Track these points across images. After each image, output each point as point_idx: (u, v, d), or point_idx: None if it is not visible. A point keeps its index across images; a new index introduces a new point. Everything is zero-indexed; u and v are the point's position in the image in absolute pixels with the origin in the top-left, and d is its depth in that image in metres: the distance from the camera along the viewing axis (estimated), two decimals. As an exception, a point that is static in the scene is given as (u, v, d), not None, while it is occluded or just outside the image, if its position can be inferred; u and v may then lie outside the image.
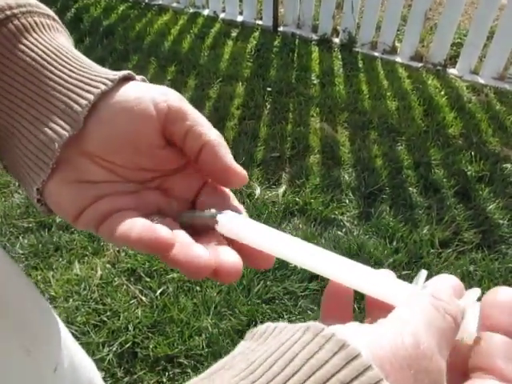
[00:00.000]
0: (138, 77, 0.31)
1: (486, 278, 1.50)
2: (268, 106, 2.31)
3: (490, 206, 1.77)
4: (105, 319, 1.36)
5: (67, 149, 0.28)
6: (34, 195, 0.28)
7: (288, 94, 2.39)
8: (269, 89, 2.42)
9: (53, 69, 0.28)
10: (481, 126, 2.20)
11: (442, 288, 0.23)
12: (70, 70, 0.29)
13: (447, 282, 0.24)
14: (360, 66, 2.68)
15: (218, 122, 2.17)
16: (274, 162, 1.97)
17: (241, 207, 0.31)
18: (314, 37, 2.91)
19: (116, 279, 1.48)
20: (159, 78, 2.48)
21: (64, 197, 0.28)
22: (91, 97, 0.28)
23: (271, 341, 0.19)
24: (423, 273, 0.26)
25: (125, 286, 1.46)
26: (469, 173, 1.92)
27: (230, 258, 0.27)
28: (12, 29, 0.28)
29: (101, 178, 0.29)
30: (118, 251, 1.56)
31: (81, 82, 0.28)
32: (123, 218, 0.27)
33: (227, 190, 0.32)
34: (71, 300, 1.41)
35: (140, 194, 0.30)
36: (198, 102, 2.31)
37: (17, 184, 1.81)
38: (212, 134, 0.29)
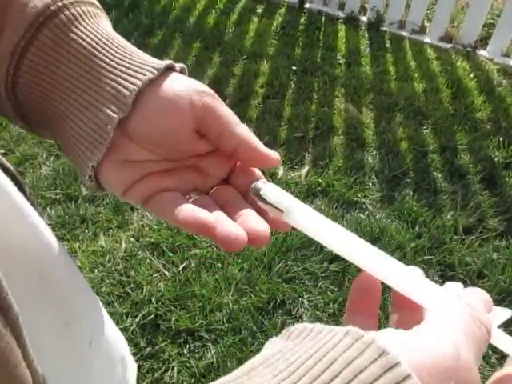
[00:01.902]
0: (178, 65, 0.33)
1: (510, 267, 1.49)
2: (292, 85, 2.29)
3: (517, 194, 1.74)
4: (129, 291, 1.40)
5: (114, 131, 0.30)
6: (88, 172, 0.31)
7: (313, 74, 2.36)
8: (294, 67, 2.39)
9: (103, 57, 0.30)
10: (510, 111, 2.14)
11: (476, 299, 0.23)
12: (119, 58, 0.30)
13: (480, 295, 0.24)
14: (387, 45, 2.62)
15: (242, 100, 2.16)
16: (298, 142, 1.96)
17: None
18: (341, 14, 2.85)
19: (140, 253, 1.51)
20: (184, 53, 2.47)
21: (113, 175, 0.31)
22: (139, 83, 0.30)
23: (309, 341, 0.19)
24: (457, 284, 0.26)
25: (148, 260, 1.49)
26: (496, 159, 1.88)
27: (259, 226, 0.29)
28: (63, 19, 0.30)
29: (143, 157, 0.31)
30: (143, 225, 1.59)
31: (129, 69, 0.30)
32: (170, 200, 0.30)
33: (257, 169, 0.35)
34: (96, 271, 1.45)
35: (178, 172, 0.33)
36: (222, 79, 2.30)
37: (44, 156, 1.85)
38: (242, 132, 0.32)
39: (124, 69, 0.30)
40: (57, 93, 0.30)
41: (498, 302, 1.42)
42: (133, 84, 0.29)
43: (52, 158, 1.84)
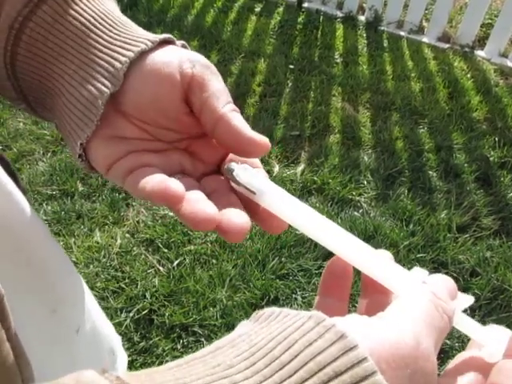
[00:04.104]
0: (179, 42, 0.32)
1: (502, 265, 1.50)
2: (290, 84, 2.30)
3: (511, 193, 1.74)
4: (123, 286, 1.41)
5: (106, 106, 0.29)
6: (77, 151, 0.30)
7: (310, 72, 2.37)
8: (291, 66, 2.40)
9: (100, 32, 0.30)
10: (507, 111, 2.15)
11: (440, 287, 0.24)
12: (116, 34, 0.30)
13: (445, 282, 0.25)
14: (385, 45, 2.63)
15: (239, 98, 2.16)
16: (294, 140, 1.97)
17: (265, 173, 0.32)
18: (339, 14, 2.85)
19: (135, 248, 1.51)
20: (182, 51, 2.48)
21: (98, 150, 0.30)
22: (131, 54, 0.29)
23: (274, 325, 0.20)
24: (423, 270, 0.26)
25: (143, 256, 1.50)
26: (491, 158, 1.89)
27: (237, 218, 0.27)
28: None
29: (132, 134, 0.30)
30: (138, 222, 1.60)
31: (123, 43, 0.30)
32: (145, 173, 0.28)
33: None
34: (91, 266, 1.45)
35: (167, 153, 0.31)
36: (219, 78, 2.30)
37: (41, 152, 1.85)
38: (227, 108, 0.29)
39: (119, 43, 0.30)
40: (54, 69, 0.30)
41: (491, 300, 1.42)
42: (125, 56, 0.29)
43: (49, 154, 1.85)
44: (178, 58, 0.30)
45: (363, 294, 0.28)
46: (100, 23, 0.30)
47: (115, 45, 0.30)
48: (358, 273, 0.28)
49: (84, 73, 0.29)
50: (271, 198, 0.28)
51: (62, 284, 0.45)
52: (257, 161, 0.32)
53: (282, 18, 2.82)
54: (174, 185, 0.26)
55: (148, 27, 2.30)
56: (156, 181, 0.26)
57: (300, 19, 2.82)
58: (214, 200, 0.28)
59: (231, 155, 0.32)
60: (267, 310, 0.21)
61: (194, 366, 0.18)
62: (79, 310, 0.48)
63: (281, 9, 2.92)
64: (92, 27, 0.30)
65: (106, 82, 0.29)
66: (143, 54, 0.29)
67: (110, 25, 0.30)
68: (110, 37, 0.30)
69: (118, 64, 0.29)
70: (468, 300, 0.26)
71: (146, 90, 0.29)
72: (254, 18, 2.84)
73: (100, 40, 0.30)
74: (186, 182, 0.28)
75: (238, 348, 0.19)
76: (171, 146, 0.32)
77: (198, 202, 0.27)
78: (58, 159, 1.81)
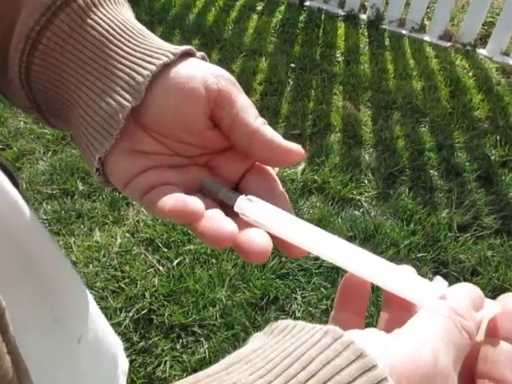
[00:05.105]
0: (199, 53, 0.31)
1: (504, 265, 1.49)
2: (291, 83, 2.29)
3: (513, 192, 1.74)
4: (123, 286, 1.41)
5: (126, 120, 0.28)
6: (94, 164, 0.29)
7: (311, 71, 2.36)
8: (292, 65, 2.39)
9: (119, 43, 0.29)
10: (508, 110, 2.14)
11: (461, 300, 0.23)
12: (135, 45, 0.29)
13: (468, 293, 0.24)
14: (386, 43, 2.62)
15: (240, 97, 2.16)
16: (295, 139, 1.96)
17: (285, 194, 0.31)
18: (341, 12, 2.84)
19: (135, 248, 1.51)
20: (182, 50, 2.47)
21: (117, 165, 0.29)
22: (153, 67, 0.28)
23: (289, 339, 0.19)
24: (443, 281, 0.25)
25: (143, 255, 1.50)
26: (493, 157, 1.88)
27: (259, 238, 0.26)
28: (81, 4, 0.29)
29: (152, 149, 0.29)
30: (138, 221, 1.60)
31: (144, 54, 0.29)
32: (165, 191, 0.27)
33: (274, 175, 0.32)
34: (91, 266, 1.45)
35: (186, 169, 0.31)
36: (220, 76, 2.30)
37: (42, 151, 1.86)
38: (259, 123, 0.29)
39: (139, 55, 0.29)
40: (70, 80, 0.29)
41: (491, 299, 1.42)
42: (146, 69, 0.28)
43: (49, 153, 1.85)
44: (202, 72, 0.29)
45: (385, 308, 0.27)
46: (119, 33, 0.29)
47: (135, 56, 0.29)
48: (372, 287, 0.27)
49: (103, 85, 0.29)
50: (281, 230, 0.27)
51: (65, 292, 0.44)
52: (275, 177, 0.32)
53: (284, 17, 2.81)
54: (193, 202, 0.26)
55: (149, 26, 2.29)
56: (174, 199, 0.26)
57: (301, 18, 2.81)
58: (234, 218, 0.28)
59: (254, 173, 0.31)
60: (281, 323, 0.21)
61: None
62: (82, 319, 0.47)
63: (282, 7, 2.92)
64: (110, 37, 0.29)
65: (127, 96, 0.28)
66: (165, 67, 0.29)
67: (129, 35, 0.29)
68: (130, 47, 0.29)
69: (139, 77, 0.28)
70: (498, 308, 0.25)
71: (169, 105, 0.28)
72: (255, 16, 2.83)
73: (119, 51, 0.29)
74: (206, 202, 0.28)
75: (252, 365, 0.19)
76: (191, 161, 0.31)
77: (217, 220, 0.26)
78: (58, 158, 1.81)
